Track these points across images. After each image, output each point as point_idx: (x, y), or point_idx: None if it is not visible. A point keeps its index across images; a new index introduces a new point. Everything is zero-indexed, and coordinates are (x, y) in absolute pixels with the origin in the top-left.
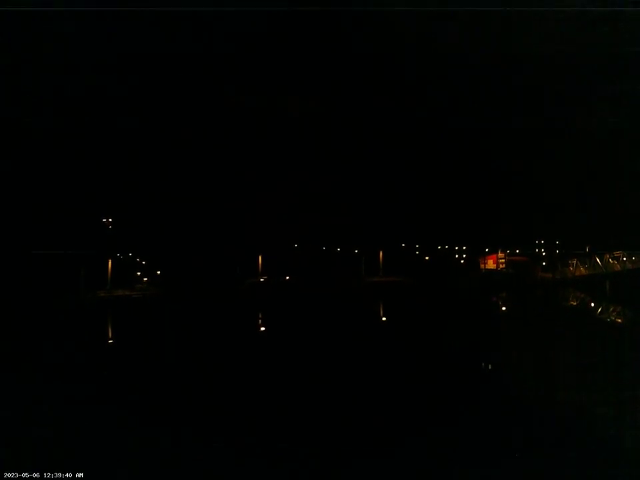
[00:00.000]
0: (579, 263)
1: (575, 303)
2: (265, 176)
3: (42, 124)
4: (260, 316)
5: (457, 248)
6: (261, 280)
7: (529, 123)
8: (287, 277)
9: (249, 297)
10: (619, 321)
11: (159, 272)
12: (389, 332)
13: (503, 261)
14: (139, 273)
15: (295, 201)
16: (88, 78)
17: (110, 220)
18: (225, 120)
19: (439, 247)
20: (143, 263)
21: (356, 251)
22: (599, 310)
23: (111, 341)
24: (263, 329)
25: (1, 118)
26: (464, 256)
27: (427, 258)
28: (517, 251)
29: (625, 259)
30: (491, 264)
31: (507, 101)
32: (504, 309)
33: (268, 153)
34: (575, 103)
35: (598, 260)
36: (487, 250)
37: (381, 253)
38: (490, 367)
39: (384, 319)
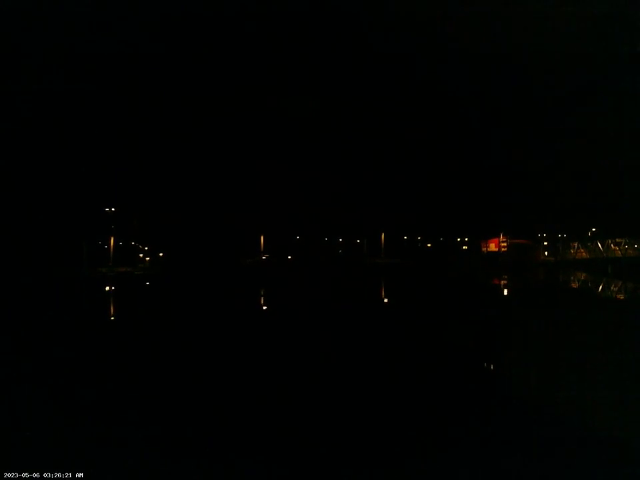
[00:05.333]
0: (580, 247)
1: (575, 285)
2: (272, 165)
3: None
4: (250, 289)
5: (458, 239)
6: (263, 258)
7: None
8: (289, 257)
9: (248, 272)
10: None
11: (161, 254)
12: (375, 303)
13: (505, 244)
14: (141, 255)
15: (301, 192)
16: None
17: (113, 210)
18: (231, 114)
19: (441, 239)
20: (146, 248)
21: (358, 241)
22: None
23: (101, 314)
24: (248, 302)
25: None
26: (466, 243)
27: (428, 245)
28: (520, 236)
29: (626, 246)
30: (492, 247)
31: (505, 99)
32: (506, 291)
33: (272, 141)
34: (577, 99)
35: (599, 245)
36: (489, 234)
37: (382, 236)
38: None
39: (374, 291)
